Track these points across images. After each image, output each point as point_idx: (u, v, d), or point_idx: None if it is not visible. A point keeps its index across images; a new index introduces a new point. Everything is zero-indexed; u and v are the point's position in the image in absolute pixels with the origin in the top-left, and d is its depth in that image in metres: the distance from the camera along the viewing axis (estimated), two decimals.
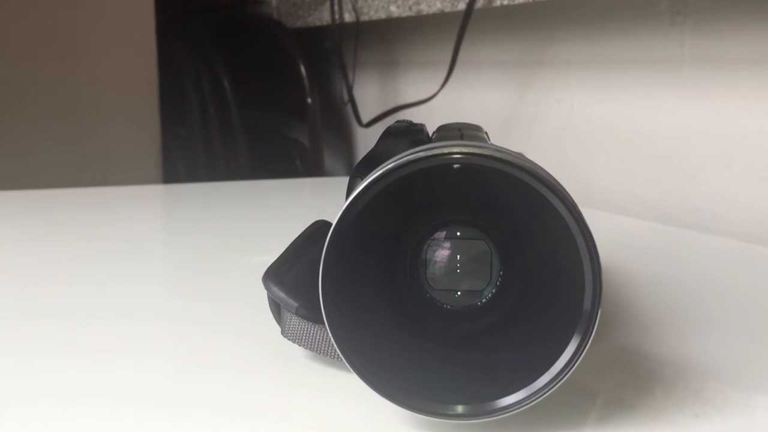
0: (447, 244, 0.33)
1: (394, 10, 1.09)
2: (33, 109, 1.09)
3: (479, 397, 0.29)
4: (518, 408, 0.29)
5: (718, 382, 0.36)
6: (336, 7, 1.21)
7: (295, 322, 0.35)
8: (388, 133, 0.39)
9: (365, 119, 1.23)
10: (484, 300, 0.33)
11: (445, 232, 0.33)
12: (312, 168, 1.34)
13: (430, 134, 0.41)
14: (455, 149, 0.29)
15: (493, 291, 0.33)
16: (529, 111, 0.99)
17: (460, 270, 0.33)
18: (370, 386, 0.29)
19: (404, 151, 0.29)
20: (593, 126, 0.90)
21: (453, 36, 0.98)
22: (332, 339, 0.29)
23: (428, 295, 0.33)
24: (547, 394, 0.29)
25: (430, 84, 1.06)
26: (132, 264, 0.61)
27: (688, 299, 0.52)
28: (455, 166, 0.29)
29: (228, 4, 1.48)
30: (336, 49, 1.26)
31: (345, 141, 1.41)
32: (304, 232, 0.39)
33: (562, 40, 0.94)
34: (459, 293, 0.33)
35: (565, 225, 0.28)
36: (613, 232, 0.69)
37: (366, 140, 1.31)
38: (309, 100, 1.29)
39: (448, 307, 0.33)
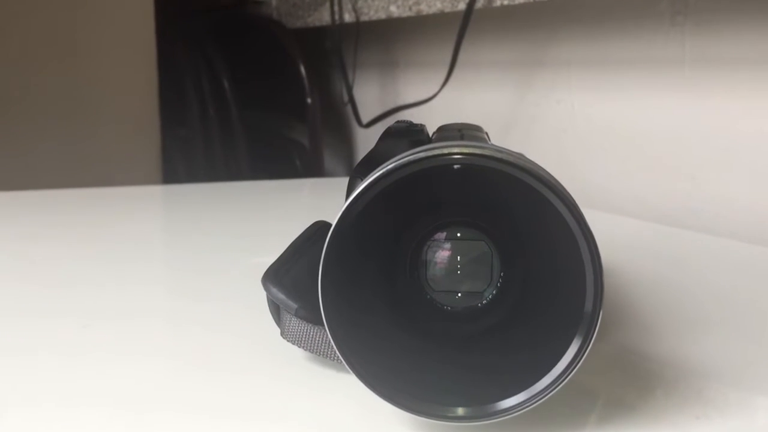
0: (447, 245, 0.33)
1: (394, 11, 1.09)
2: (32, 109, 1.09)
3: (479, 399, 0.29)
4: (519, 410, 0.28)
5: (719, 384, 0.36)
6: (336, 8, 1.21)
7: (294, 323, 0.35)
8: (388, 134, 0.38)
9: (365, 120, 1.23)
10: (484, 301, 0.33)
11: (445, 233, 0.33)
12: (312, 168, 1.33)
13: (430, 135, 0.41)
14: (455, 149, 0.28)
15: (494, 292, 0.33)
16: (529, 111, 0.99)
17: (460, 271, 0.33)
18: (369, 388, 0.29)
19: (404, 151, 0.29)
20: (593, 126, 0.90)
21: (453, 36, 0.98)
22: (331, 340, 0.29)
23: (428, 297, 0.33)
24: (549, 396, 0.28)
25: (430, 84, 1.06)
26: (132, 264, 0.60)
27: (688, 300, 0.51)
28: (455, 166, 0.29)
29: (228, 4, 1.48)
30: (336, 49, 1.25)
31: (345, 141, 1.41)
32: (303, 232, 0.39)
33: (562, 40, 0.93)
34: (459, 294, 0.33)
35: (566, 226, 0.28)
36: (614, 233, 0.69)
37: (366, 141, 1.31)
38: (309, 101, 1.29)
39: (449, 308, 0.33)
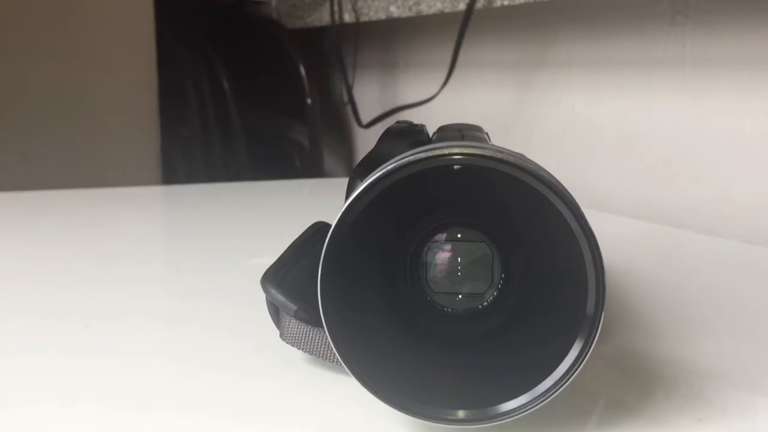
0: (448, 247, 0.32)
1: (394, 11, 1.09)
2: (32, 109, 1.09)
3: (480, 401, 0.29)
4: (520, 413, 0.28)
5: (720, 385, 0.36)
6: (336, 8, 1.21)
7: (293, 325, 0.35)
8: (388, 134, 0.38)
9: (365, 120, 1.23)
10: (485, 303, 0.32)
11: (445, 235, 0.32)
12: (311, 169, 1.33)
13: (431, 135, 0.40)
14: (456, 150, 0.28)
15: (495, 294, 0.32)
16: (529, 112, 0.99)
17: (461, 273, 0.32)
18: (369, 390, 0.29)
19: (404, 152, 0.29)
20: (594, 127, 0.90)
21: (453, 36, 0.98)
22: (331, 342, 0.29)
23: (429, 298, 0.33)
24: (550, 398, 0.28)
25: (430, 85, 1.06)
26: (131, 265, 0.60)
27: (688, 300, 0.51)
28: (456, 167, 0.28)
29: (227, 4, 1.48)
30: (336, 49, 1.25)
31: (345, 142, 1.41)
32: (302, 234, 0.38)
33: (562, 40, 0.93)
34: (460, 296, 0.32)
35: (568, 227, 0.28)
36: (614, 234, 0.68)
37: (366, 141, 1.31)
38: (309, 101, 1.29)
39: (449, 310, 0.33)
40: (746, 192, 0.73)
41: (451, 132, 0.40)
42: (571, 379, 0.28)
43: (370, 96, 1.29)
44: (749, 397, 0.35)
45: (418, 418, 0.29)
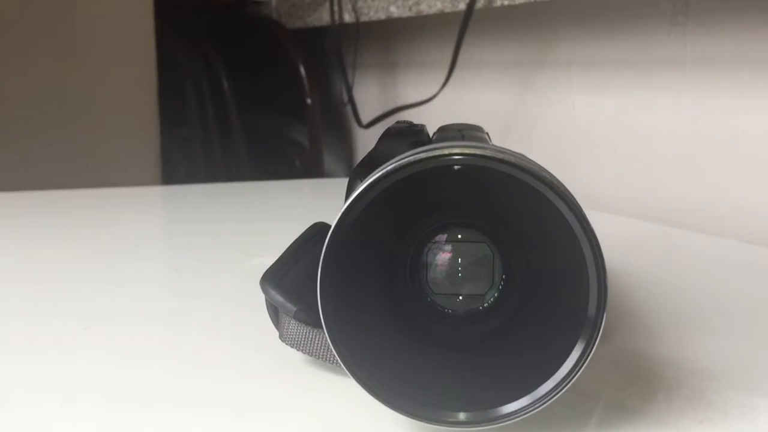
0: (448, 248, 0.32)
1: (394, 11, 1.09)
2: (31, 110, 1.09)
3: (481, 403, 0.28)
4: (521, 415, 0.28)
5: (722, 386, 0.36)
6: (336, 8, 1.21)
7: (293, 326, 0.35)
8: (388, 134, 0.38)
9: (365, 120, 1.22)
10: (486, 304, 0.32)
11: (446, 235, 0.32)
12: (311, 169, 1.33)
13: (431, 135, 0.40)
14: (456, 150, 0.28)
15: (496, 295, 0.32)
16: (529, 112, 0.99)
17: (461, 274, 0.32)
18: (369, 392, 0.29)
19: (405, 152, 0.29)
20: (594, 127, 0.90)
21: (453, 36, 0.97)
22: (330, 343, 0.29)
23: (429, 299, 0.32)
24: (551, 401, 0.28)
25: (430, 85, 1.06)
26: (131, 265, 0.60)
27: (688, 300, 0.51)
28: (456, 167, 0.28)
29: (227, 4, 1.47)
30: (336, 49, 1.25)
31: (345, 142, 1.41)
32: (302, 234, 0.38)
33: (563, 40, 0.93)
34: (461, 297, 0.32)
35: (569, 227, 0.28)
36: (614, 234, 0.68)
37: (366, 141, 1.31)
38: (308, 101, 1.29)
39: (450, 311, 0.32)
40: (746, 192, 0.73)
41: (451, 132, 0.40)
42: (572, 381, 0.28)
43: (370, 96, 1.29)
44: (750, 399, 0.35)
45: (418, 420, 0.29)
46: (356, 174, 0.32)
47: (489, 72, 1.05)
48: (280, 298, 0.35)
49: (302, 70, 1.29)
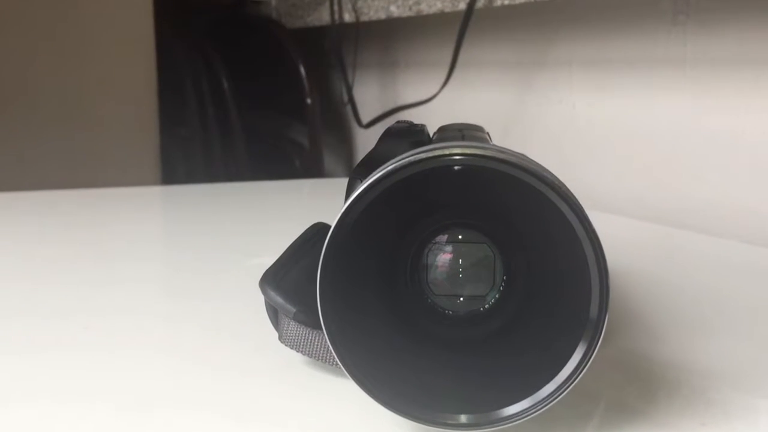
0: (449, 248, 0.32)
1: (394, 10, 1.09)
2: (31, 109, 1.09)
3: (482, 405, 0.28)
4: (522, 417, 0.28)
5: (724, 387, 0.36)
6: (335, 7, 1.21)
7: (292, 327, 0.35)
8: (388, 134, 0.38)
9: (365, 120, 1.22)
10: (487, 305, 0.32)
11: (446, 236, 0.32)
12: (311, 169, 1.33)
13: (431, 135, 0.40)
14: (457, 150, 0.28)
15: (497, 296, 0.32)
16: (530, 111, 0.99)
17: (462, 275, 0.32)
18: (369, 395, 0.28)
19: (405, 152, 0.29)
20: (594, 126, 0.90)
21: (453, 36, 0.97)
22: (329, 344, 0.29)
23: (429, 301, 0.32)
24: (553, 403, 0.28)
25: (430, 84, 1.05)
26: (130, 265, 0.60)
27: (688, 301, 0.51)
28: (457, 167, 0.28)
29: (227, 4, 1.47)
30: (336, 49, 1.25)
31: (345, 142, 1.41)
32: (302, 234, 0.38)
33: (563, 40, 0.93)
34: (461, 299, 0.32)
35: (571, 228, 0.27)
36: (614, 234, 0.68)
37: (366, 141, 1.30)
38: (308, 101, 1.29)
39: (450, 312, 0.32)
40: (746, 192, 0.73)
41: (451, 132, 0.39)
42: (574, 383, 0.28)
43: (370, 96, 1.28)
44: (752, 400, 0.35)
45: (418, 422, 0.29)
46: (356, 174, 0.32)
47: (489, 72, 1.05)
48: (279, 300, 0.35)
49: (302, 69, 1.29)
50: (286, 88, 1.32)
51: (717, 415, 0.32)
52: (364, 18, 1.16)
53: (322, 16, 1.26)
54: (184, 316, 0.48)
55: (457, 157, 0.28)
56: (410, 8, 1.05)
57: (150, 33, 1.18)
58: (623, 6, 0.85)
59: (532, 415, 0.28)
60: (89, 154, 1.12)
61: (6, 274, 0.58)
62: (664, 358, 0.40)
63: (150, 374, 0.37)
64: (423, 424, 0.29)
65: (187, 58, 1.34)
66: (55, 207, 0.86)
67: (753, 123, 0.72)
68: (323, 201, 0.92)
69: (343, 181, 0.34)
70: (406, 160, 0.28)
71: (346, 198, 0.30)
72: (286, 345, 0.35)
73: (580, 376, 0.28)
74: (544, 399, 0.28)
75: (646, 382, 0.36)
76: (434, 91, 1.03)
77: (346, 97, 1.27)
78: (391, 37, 1.24)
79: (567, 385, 0.28)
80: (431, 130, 0.41)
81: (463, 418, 0.28)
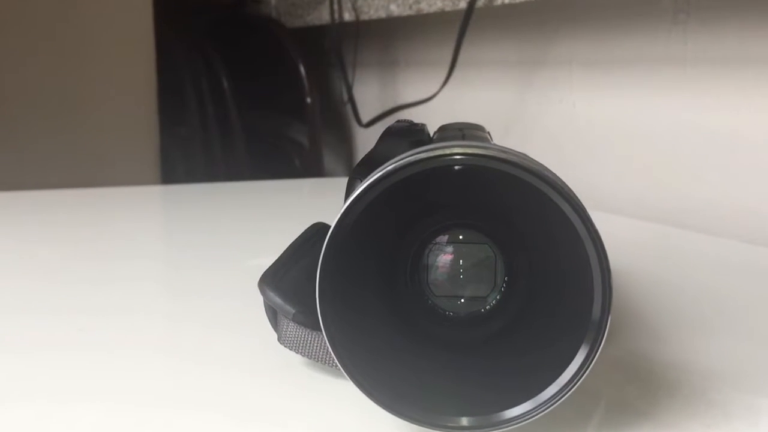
0: (449, 249, 0.32)
1: (394, 9, 1.08)
2: (31, 109, 1.09)
3: (483, 408, 0.28)
4: (524, 420, 0.28)
5: (725, 388, 0.36)
6: (335, 6, 1.20)
7: (292, 328, 0.35)
8: (388, 134, 0.38)
9: (365, 119, 1.22)
10: (488, 307, 0.32)
11: (447, 236, 0.32)
12: (311, 168, 1.33)
13: (431, 134, 0.40)
14: (458, 150, 0.28)
15: (498, 297, 0.32)
16: (530, 111, 0.98)
17: (463, 276, 0.32)
18: (369, 397, 0.28)
19: (405, 151, 0.28)
20: (595, 125, 0.90)
21: (454, 35, 0.97)
22: (329, 345, 0.28)
23: (430, 302, 0.32)
24: (555, 405, 0.28)
25: (430, 83, 1.05)
26: (130, 265, 0.60)
27: (688, 301, 0.51)
28: (457, 167, 0.28)
29: (227, 3, 1.47)
30: (335, 48, 1.25)
31: (344, 141, 1.40)
32: (301, 234, 0.38)
33: (563, 39, 0.93)
34: (462, 300, 0.32)
35: (573, 228, 0.27)
36: (614, 234, 0.68)
37: (366, 140, 1.30)
38: (308, 100, 1.29)
39: (451, 314, 0.32)
40: (748, 192, 0.73)
41: (452, 131, 0.39)
42: (576, 385, 0.27)
43: (370, 95, 1.28)
44: (753, 399, 0.35)
45: (419, 425, 0.28)
46: (356, 174, 0.32)
47: (489, 71, 1.04)
48: (278, 300, 0.35)
49: (302, 69, 1.29)
50: (286, 88, 1.32)
51: (718, 416, 0.32)
52: (364, 17, 1.16)
53: (321, 15, 1.26)
54: (183, 315, 0.47)
55: (458, 157, 0.28)
56: (410, 7, 1.05)
57: (150, 33, 1.18)
58: (624, 5, 0.84)
59: (534, 418, 0.28)
60: (89, 154, 1.12)
61: (6, 273, 0.58)
62: (665, 357, 0.40)
63: (149, 374, 0.37)
64: (423, 426, 0.28)
65: (186, 57, 1.34)
66: (55, 206, 0.86)
67: (753, 122, 0.72)
68: (323, 200, 0.92)
69: (343, 181, 0.33)
70: (407, 159, 0.28)
71: (346, 198, 0.30)
72: (285, 346, 0.35)
73: (583, 378, 0.27)
74: (546, 401, 0.27)
75: (646, 382, 0.36)
76: (434, 90, 1.03)
77: (346, 97, 1.27)
78: (391, 36, 1.24)
79: (569, 387, 0.27)
80: (431, 129, 0.41)
81: (464, 421, 0.28)
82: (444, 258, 0.32)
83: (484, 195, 0.30)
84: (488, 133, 0.42)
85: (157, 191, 1.09)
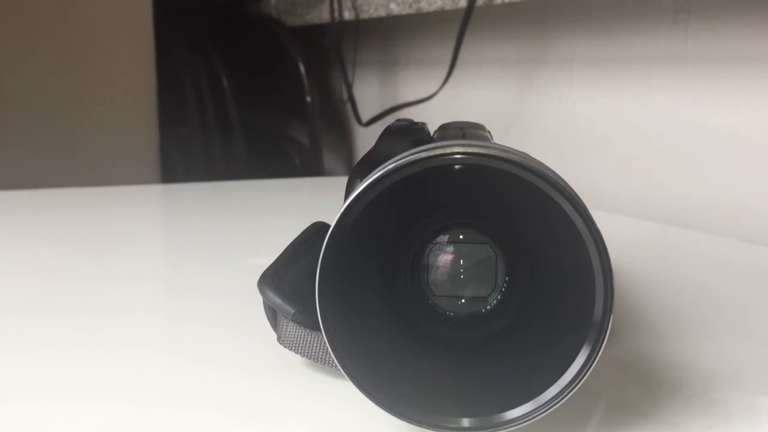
0: (450, 249, 0.32)
1: (394, 8, 1.08)
2: (30, 108, 1.09)
3: (483, 409, 0.28)
4: (525, 421, 0.27)
5: (726, 387, 0.35)
6: (335, 5, 1.20)
7: (291, 328, 0.34)
8: (388, 133, 0.37)
9: (365, 118, 1.22)
10: (488, 307, 0.32)
11: (447, 236, 0.32)
12: (311, 167, 1.33)
13: (432, 133, 0.40)
14: (458, 149, 0.27)
15: (498, 297, 0.32)
16: (530, 109, 0.98)
17: (463, 276, 0.31)
18: (369, 398, 0.28)
19: (405, 150, 0.28)
20: (595, 124, 0.90)
21: (454, 34, 0.97)
22: (328, 345, 0.28)
23: (430, 302, 0.32)
24: (556, 406, 0.27)
25: (430, 82, 1.05)
26: (129, 264, 0.60)
27: (689, 300, 0.51)
28: (458, 166, 0.28)
29: (227, 2, 1.47)
30: (335, 47, 1.25)
31: (344, 140, 1.40)
32: (301, 234, 0.38)
33: (564, 37, 0.93)
34: (463, 300, 0.32)
35: (574, 228, 0.27)
36: (615, 233, 0.68)
37: (366, 139, 1.30)
38: (308, 99, 1.29)
39: (451, 314, 0.32)
40: (749, 191, 0.73)
41: (452, 130, 0.39)
42: (578, 386, 0.27)
43: (370, 94, 1.28)
44: (755, 399, 0.34)
45: (420, 426, 0.28)
46: (356, 173, 0.31)
47: (489, 69, 1.04)
48: (278, 300, 0.34)
49: (302, 67, 1.28)
50: (286, 87, 1.32)
51: (718, 416, 0.32)
52: (363, 15, 1.16)
53: (321, 14, 1.25)
54: (183, 314, 0.47)
55: (459, 156, 0.27)
56: (410, 6, 1.05)
57: (150, 32, 1.18)
58: (624, 4, 0.84)
59: (534, 419, 0.28)
60: (89, 153, 1.12)
61: (6, 272, 0.58)
62: (665, 357, 0.40)
63: (149, 373, 0.37)
64: (423, 427, 0.28)
65: (186, 56, 1.34)
66: (54, 205, 0.86)
67: (754, 121, 0.72)
68: (323, 199, 0.92)
69: (343, 180, 0.33)
70: (407, 159, 0.27)
71: (346, 197, 0.29)
72: (284, 346, 0.35)
73: (584, 378, 0.27)
74: (547, 402, 0.27)
75: (647, 382, 0.36)
76: (434, 89, 1.03)
77: (345, 95, 1.27)
78: (391, 35, 1.24)
79: (571, 387, 0.27)
80: (431, 128, 0.41)
81: (464, 422, 0.28)
82: (444, 258, 0.32)
83: (485, 194, 0.30)
84: (488, 132, 0.42)
85: (157, 190, 1.09)
